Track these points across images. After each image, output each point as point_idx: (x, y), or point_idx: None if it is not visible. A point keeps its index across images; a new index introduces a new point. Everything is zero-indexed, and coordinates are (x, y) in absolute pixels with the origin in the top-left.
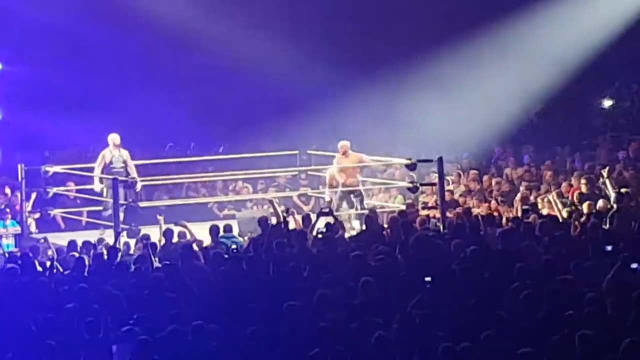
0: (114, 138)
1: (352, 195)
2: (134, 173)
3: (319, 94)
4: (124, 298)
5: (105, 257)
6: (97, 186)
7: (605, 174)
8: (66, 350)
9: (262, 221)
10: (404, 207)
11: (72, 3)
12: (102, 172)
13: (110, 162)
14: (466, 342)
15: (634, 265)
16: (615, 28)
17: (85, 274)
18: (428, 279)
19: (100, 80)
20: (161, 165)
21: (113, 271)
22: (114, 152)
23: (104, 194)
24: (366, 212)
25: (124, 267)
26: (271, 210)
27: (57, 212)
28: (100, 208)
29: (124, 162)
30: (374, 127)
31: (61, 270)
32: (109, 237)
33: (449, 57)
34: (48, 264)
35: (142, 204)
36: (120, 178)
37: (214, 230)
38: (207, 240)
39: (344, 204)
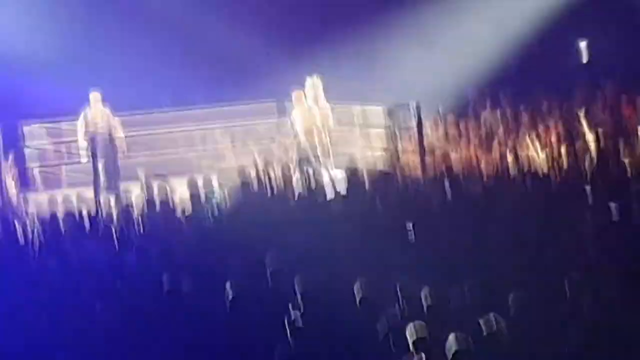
0: (95, 96)
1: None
2: (118, 130)
3: (297, 42)
4: (105, 258)
5: (87, 215)
6: (81, 142)
7: (582, 115)
8: (46, 314)
9: (242, 173)
10: (384, 153)
11: None
12: (85, 131)
13: (93, 121)
14: (449, 288)
15: (612, 205)
16: None
17: (64, 232)
18: (409, 226)
19: (75, 38)
20: (139, 120)
21: (94, 230)
22: (96, 110)
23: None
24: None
25: (106, 225)
26: (251, 161)
27: (35, 170)
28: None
29: (107, 120)
30: (352, 74)
31: (41, 231)
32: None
33: (427, 3)
34: (29, 226)
35: (122, 160)
36: (99, 135)
37: (192, 183)
38: (187, 194)
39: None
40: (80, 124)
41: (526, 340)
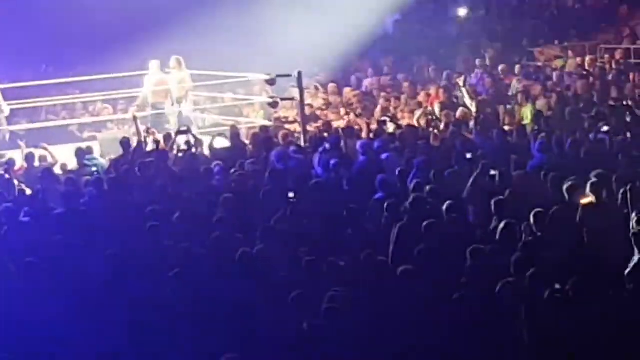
0: None
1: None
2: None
3: (174, 8)
4: None
5: None
6: None
7: (461, 83)
8: None
9: (124, 142)
10: (266, 123)
11: None
12: None
13: None
14: (330, 255)
15: (493, 172)
16: None
17: None
18: (291, 194)
19: None
20: (18, 89)
21: None
22: None
23: None
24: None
25: None
26: (133, 130)
27: None
28: None
29: None
30: (232, 42)
31: None
32: None
33: None
34: None
35: (1, 128)
36: None
37: (79, 153)
38: (70, 163)
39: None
40: None
41: None
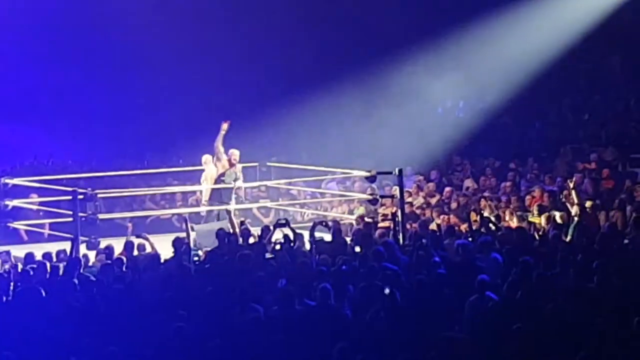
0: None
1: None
2: None
3: (277, 104)
4: (83, 311)
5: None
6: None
7: (571, 185)
8: None
9: (221, 234)
10: (365, 219)
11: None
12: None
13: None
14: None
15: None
16: (577, 35)
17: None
18: (387, 290)
19: (62, 87)
20: (119, 177)
21: (72, 283)
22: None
23: None
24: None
25: (84, 279)
26: (228, 223)
27: (18, 225)
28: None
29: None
30: (332, 139)
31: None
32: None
33: (405, 69)
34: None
35: (102, 216)
36: (80, 190)
37: (177, 243)
38: (166, 253)
39: None
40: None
41: None
